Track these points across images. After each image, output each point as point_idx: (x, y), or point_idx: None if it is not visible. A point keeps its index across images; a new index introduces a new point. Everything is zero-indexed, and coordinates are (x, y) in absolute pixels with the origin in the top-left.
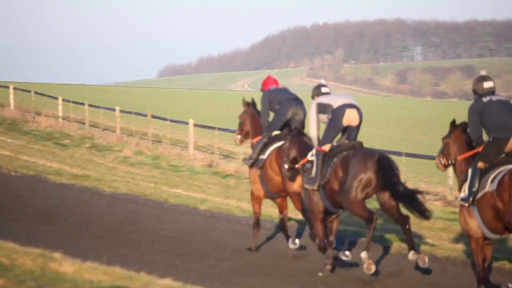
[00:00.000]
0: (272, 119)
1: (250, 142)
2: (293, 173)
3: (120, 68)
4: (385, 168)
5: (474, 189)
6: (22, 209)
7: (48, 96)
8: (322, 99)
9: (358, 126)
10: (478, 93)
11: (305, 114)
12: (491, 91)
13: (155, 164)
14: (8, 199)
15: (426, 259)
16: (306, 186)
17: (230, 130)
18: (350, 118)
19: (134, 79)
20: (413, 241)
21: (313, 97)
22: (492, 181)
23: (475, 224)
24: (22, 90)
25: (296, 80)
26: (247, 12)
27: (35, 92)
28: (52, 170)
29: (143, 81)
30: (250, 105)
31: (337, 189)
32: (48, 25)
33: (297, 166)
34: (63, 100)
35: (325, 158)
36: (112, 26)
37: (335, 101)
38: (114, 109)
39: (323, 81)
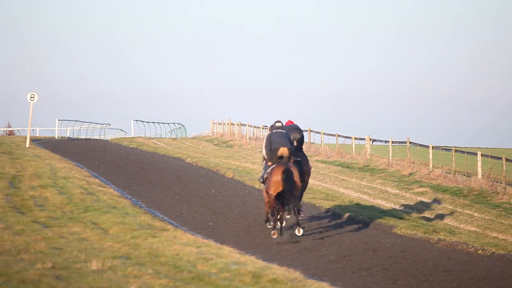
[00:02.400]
0: None
1: None
2: None
3: None
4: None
5: (265, 175)
6: None
7: None
8: (270, 133)
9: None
10: (271, 129)
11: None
12: (279, 128)
13: None
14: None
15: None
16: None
17: None
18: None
19: None
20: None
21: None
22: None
23: (265, 194)
24: (491, 157)
25: None
26: None
27: (507, 160)
28: None
29: None
30: None
31: None
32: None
33: None
34: None
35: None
36: None
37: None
38: None
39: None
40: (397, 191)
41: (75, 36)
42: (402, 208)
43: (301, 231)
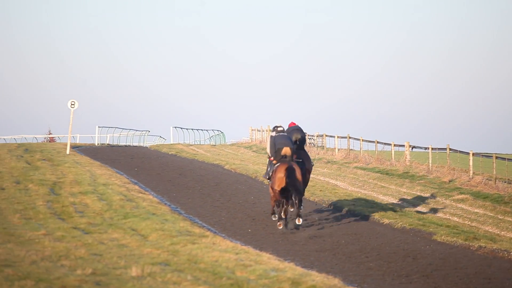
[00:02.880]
0: None
1: None
2: None
3: None
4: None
5: (270, 172)
6: None
7: None
8: (273, 134)
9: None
10: (275, 131)
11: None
12: (281, 131)
13: None
14: None
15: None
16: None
17: None
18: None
19: None
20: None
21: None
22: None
23: (271, 190)
24: None
25: None
26: None
27: None
28: None
29: None
30: None
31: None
32: None
33: None
34: None
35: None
36: None
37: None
38: None
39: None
40: (437, 198)
41: (117, 44)
42: (442, 215)
43: (301, 220)
